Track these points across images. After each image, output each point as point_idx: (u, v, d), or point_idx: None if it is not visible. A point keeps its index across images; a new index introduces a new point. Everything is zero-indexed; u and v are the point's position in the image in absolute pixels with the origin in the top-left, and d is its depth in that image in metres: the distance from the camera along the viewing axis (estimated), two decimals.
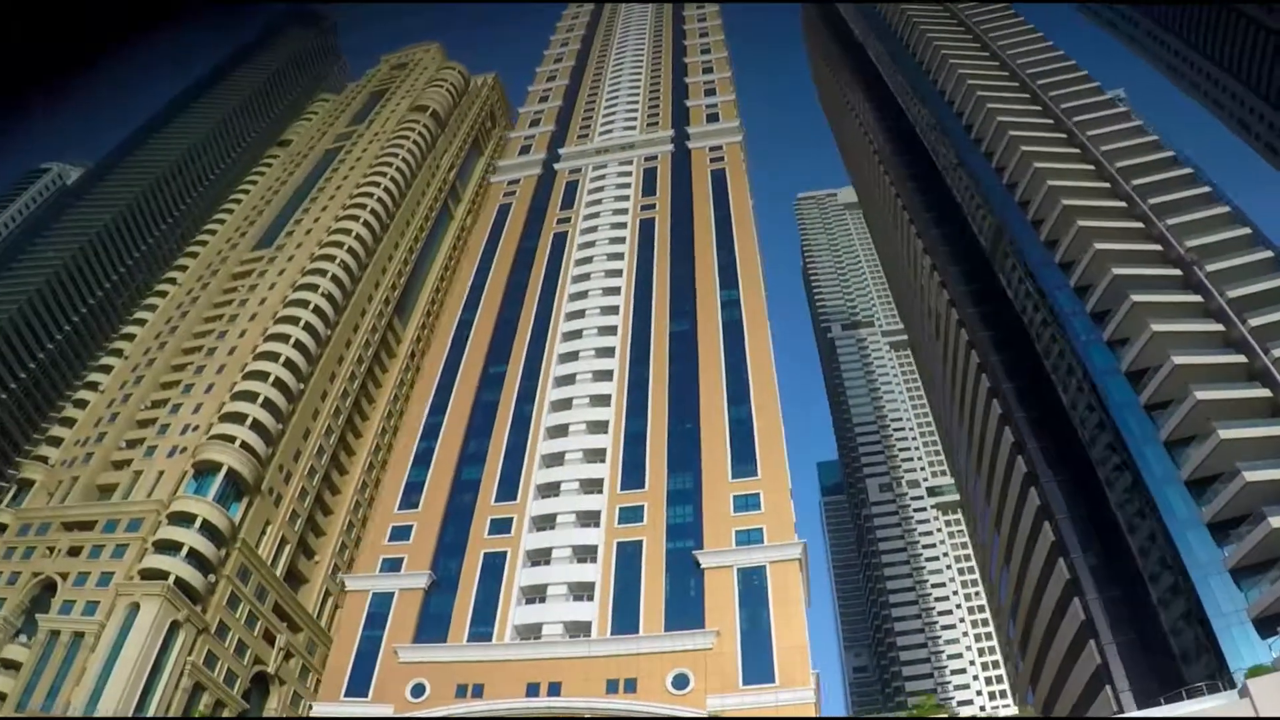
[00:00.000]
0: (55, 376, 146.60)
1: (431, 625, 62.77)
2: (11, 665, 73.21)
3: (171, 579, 71.66)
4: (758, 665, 54.32)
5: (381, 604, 65.28)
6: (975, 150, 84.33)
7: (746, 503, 63.74)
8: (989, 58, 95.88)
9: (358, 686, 60.67)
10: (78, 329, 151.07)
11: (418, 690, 58.95)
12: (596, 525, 65.32)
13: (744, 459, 66.62)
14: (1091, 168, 75.67)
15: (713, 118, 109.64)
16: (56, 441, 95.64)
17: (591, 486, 68.14)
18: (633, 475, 67.83)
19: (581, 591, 62.26)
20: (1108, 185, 72.65)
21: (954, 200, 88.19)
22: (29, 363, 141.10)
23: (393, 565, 67.84)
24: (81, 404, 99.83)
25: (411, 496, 72.50)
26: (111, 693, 66.71)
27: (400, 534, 70.12)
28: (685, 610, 58.81)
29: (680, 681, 54.78)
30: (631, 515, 65.16)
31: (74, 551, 78.63)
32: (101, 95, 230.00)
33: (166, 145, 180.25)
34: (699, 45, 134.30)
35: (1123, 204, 69.85)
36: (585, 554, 64.22)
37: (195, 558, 74.59)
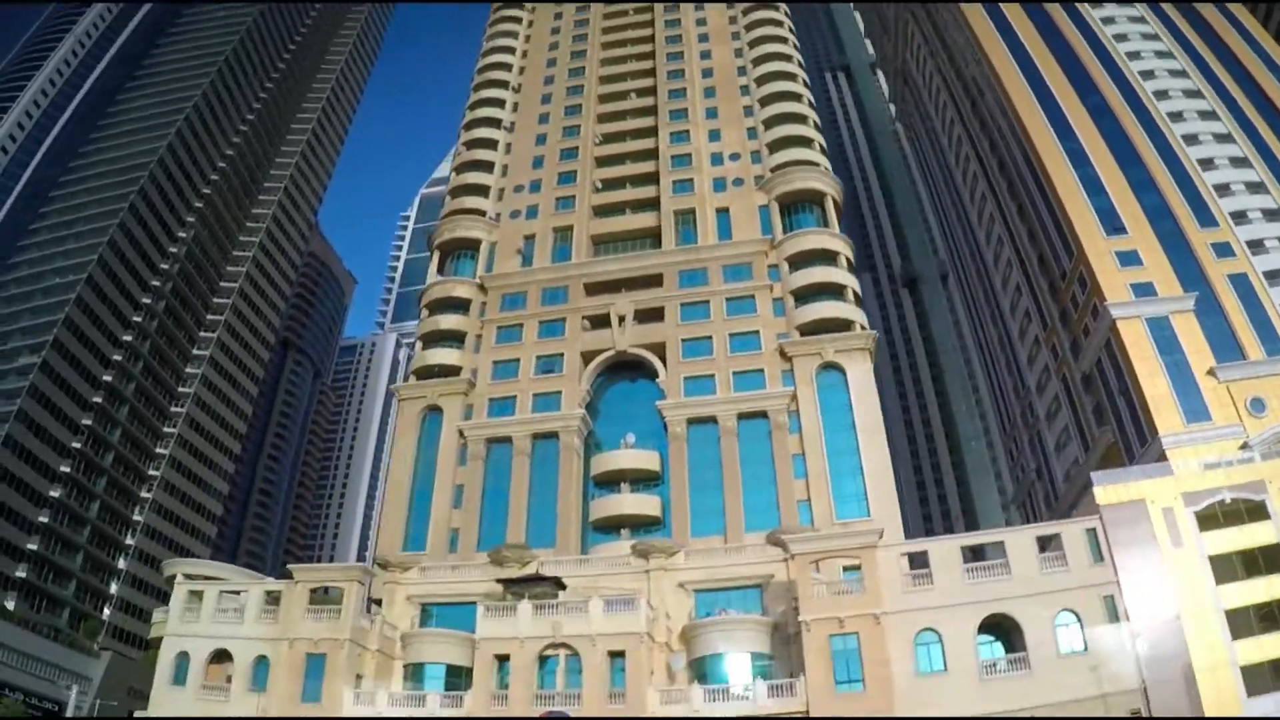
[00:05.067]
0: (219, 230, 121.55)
1: (1224, 344, 61.28)
2: None
3: None
4: None
5: (1158, 329, 61.73)
6: None
7: None
8: None
9: (1193, 413, 57.91)
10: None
11: (1257, 405, 58.16)
12: None
13: None
14: None
15: None
16: None
17: (1273, 216, 69.76)
18: None
19: None
20: None
21: None
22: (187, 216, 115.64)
23: (1142, 290, 63.57)
24: None
25: (1111, 221, 66.88)
26: None
27: (1128, 259, 64.88)
28: None
29: None
30: None
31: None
32: None
33: None
34: None
35: None
36: None
37: None
